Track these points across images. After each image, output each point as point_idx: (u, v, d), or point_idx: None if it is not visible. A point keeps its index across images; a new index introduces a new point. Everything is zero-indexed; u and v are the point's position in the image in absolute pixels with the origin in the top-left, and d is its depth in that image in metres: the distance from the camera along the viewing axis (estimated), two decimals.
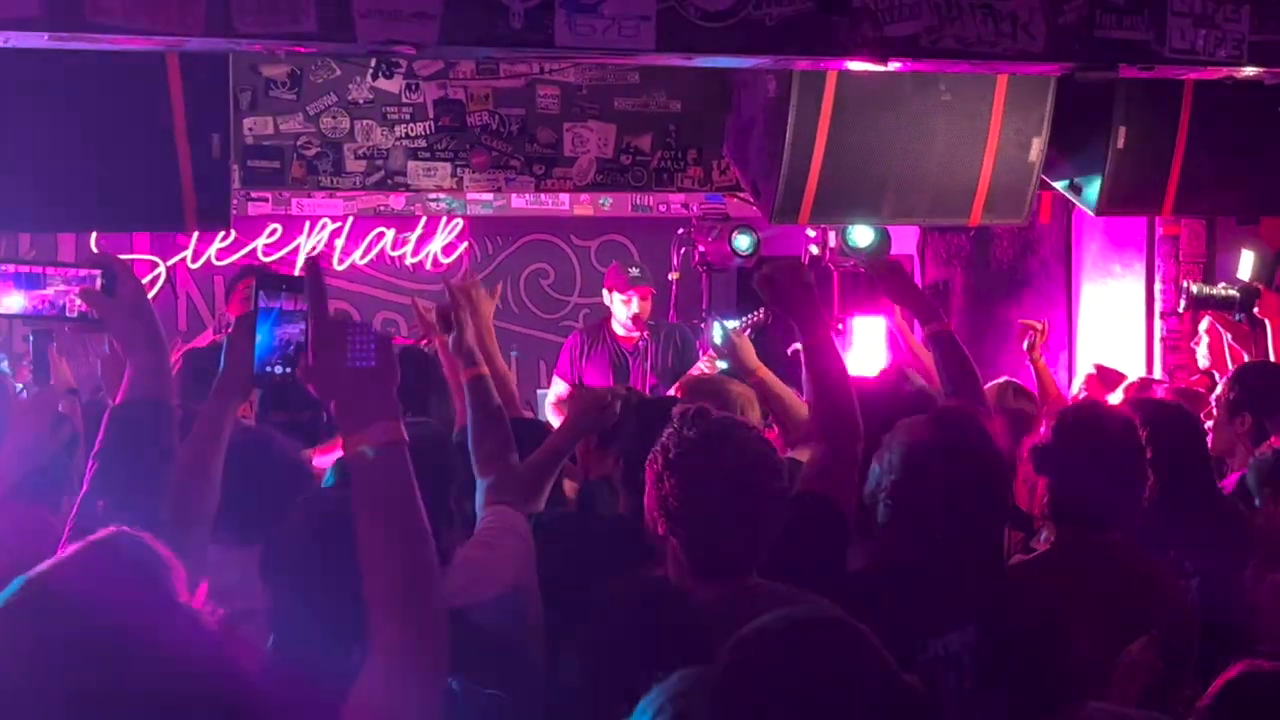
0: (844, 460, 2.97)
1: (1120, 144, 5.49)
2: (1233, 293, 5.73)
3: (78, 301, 2.31)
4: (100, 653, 1.43)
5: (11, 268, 2.34)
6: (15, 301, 2.34)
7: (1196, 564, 3.37)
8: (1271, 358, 5.28)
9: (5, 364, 4.65)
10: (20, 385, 4.91)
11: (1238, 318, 5.62)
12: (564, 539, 3.17)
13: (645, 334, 6.89)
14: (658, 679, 1.83)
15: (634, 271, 6.83)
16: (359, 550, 1.76)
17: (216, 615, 1.55)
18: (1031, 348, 5.58)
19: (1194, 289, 5.86)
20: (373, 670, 1.72)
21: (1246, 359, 5.38)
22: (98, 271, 2.30)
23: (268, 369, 2.37)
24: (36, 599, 1.48)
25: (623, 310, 6.69)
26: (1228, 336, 5.62)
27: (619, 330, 6.69)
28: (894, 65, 4.12)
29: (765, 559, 2.65)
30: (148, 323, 2.32)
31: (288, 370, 2.38)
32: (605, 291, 6.84)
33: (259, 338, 2.40)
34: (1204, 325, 5.80)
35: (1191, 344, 6.15)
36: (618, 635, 2.27)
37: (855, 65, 4.22)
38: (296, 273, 3.68)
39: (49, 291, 2.33)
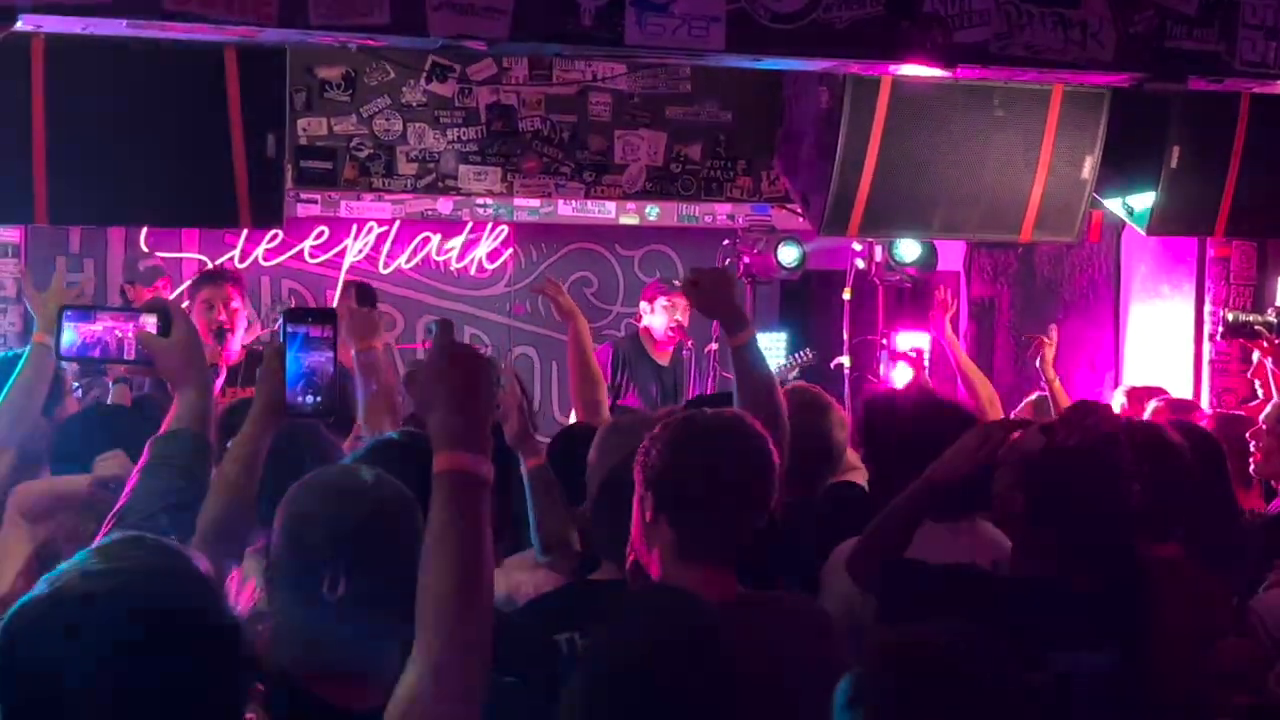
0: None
1: (1174, 163, 5.46)
2: (1270, 319, 5.67)
3: (134, 343, 2.42)
4: (136, 645, 1.49)
5: (75, 310, 2.46)
6: (77, 342, 2.44)
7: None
8: None
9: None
10: (77, 385, 4.95)
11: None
12: None
13: (690, 344, 7.01)
14: None
15: (676, 282, 6.93)
16: (421, 567, 1.80)
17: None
18: (1042, 362, 5.48)
19: (1229, 316, 5.81)
20: (415, 681, 1.75)
21: None
22: (154, 316, 2.40)
23: (298, 400, 2.42)
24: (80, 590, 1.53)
25: (663, 318, 6.83)
26: (1269, 362, 5.56)
27: (652, 346, 6.86)
28: (962, 71, 4.11)
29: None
30: (198, 363, 2.44)
31: (317, 400, 2.42)
32: (644, 304, 6.98)
33: (287, 366, 2.45)
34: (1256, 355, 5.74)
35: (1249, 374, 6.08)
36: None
37: (923, 71, 4.20)
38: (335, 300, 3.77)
39: (106, 335, 2.44)
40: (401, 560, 2.17)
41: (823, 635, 2.45)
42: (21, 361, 3.74)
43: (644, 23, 3.67)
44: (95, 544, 2.12)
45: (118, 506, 2.27)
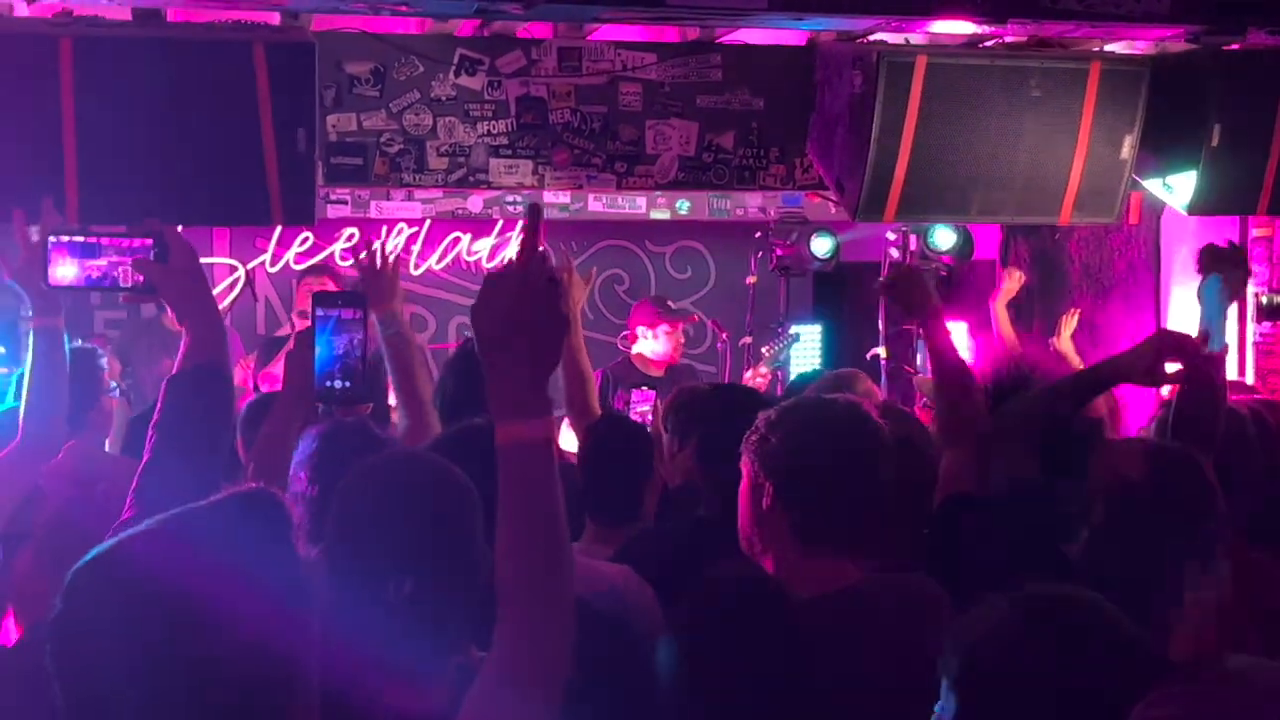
0: (977, 457, 2.98)
1: (1215, 141, 5.36)
2: None
3: (131, 271, 2.31)
4: (211, 602, 1.40)
5: (65, 239, 2.35)
6: (69, 273, 2.36)
7: None
8: None
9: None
10: (114, 384, 4.89)
11: None
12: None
13: (725, 336, 6.97)
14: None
15: (670, 304, 6.81)
16: (497, 539, 1.71)
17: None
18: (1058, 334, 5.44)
19: (1263, 299, 5.74)
20: (498, 663, 1.68)
21: None
22: (150, 241, 2.30)
23: (328, 384, 2.36)
24: (156, 544, 1.45)
25: (666, 344, 6.56)
26: None
27: (647, 366, 6.54)
28: (1012, 27, 4.01)
29: (924, 563, 2.62)
30: (201, 289, 2.33)
31: (347, 384, 2.36)
32: (643, 330, 6.64)
33: (318, 350, 2.38)
34: None
35: None
36: (712, 633, 2.22)
37: (970, 27, 4.09)
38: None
39: (102, 262, 2.34)
40: (465, 558, 2.10)
41: (932, 622, 2.39)
42: (29, 356, 3.27)
43: None
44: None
45: (144, 459, 2.20)
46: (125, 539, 1.46)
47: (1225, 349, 3.39)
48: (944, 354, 3.12)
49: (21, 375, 3.54)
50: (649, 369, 6.52)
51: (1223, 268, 3.43)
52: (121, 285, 2.33)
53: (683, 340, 6.73)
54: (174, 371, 2.28)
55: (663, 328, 6.57)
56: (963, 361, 3.15)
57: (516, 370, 1.67)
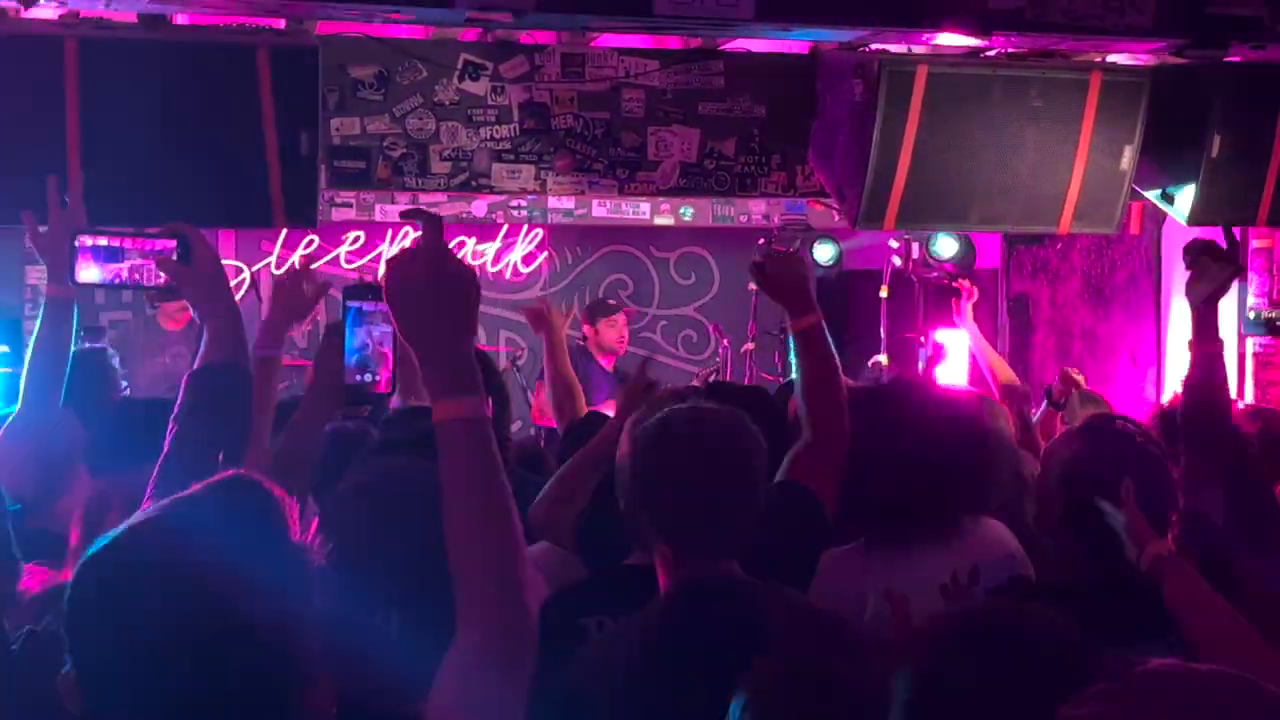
0: (829, 452, 2.94)
1: (1215, 152, 5.38)
2: None
3: (155, 271, 2.35)
4: (210, 582, 1.42)
5: (90, 240, 2.40)
6: (94, 273, 2.41)
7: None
8: None
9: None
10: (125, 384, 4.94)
11: None
12: None
13: (726, 343, 7.11)
14: None
15: (613, 301, 7.52)
16: (446, 533, 1.71)
17: (322, 552, 1.52)
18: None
19: (1251, 315, 5.74)
20: (460, 658, 1.67)
21: None
22: (174, 242, 2.34)
23: (356, 379, 2.37)
24: (154, 530, 1.47)
25: (611, 333, 7.20)
26: None
27: (600, 359, 7.15)
28: (997, 40, 4.04)
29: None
30: (223, 289, 2.38)
31: (376, 377, 2.38)
32: (593, 323, 7.25)
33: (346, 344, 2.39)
34: None
35: None
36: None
37: (956, 39, 4.11)
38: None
39: (127, 264, 2.38)
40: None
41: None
42: (38, 323, 3.28)
43: None
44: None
45: (164, 452, 2.23)
46: (121, 532, 1.48)
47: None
48: (817, 341, 3.07)
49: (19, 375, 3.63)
50: (600, 364, 7.16)
51: (1206, 262, 3.42)
52: (145, 285, 2.41)
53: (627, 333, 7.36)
54: (195, 367, 2.34)
55: (606, 317, 7.22)
56: (835, 357, 3.10)
57: (439, 344, 1.73)
